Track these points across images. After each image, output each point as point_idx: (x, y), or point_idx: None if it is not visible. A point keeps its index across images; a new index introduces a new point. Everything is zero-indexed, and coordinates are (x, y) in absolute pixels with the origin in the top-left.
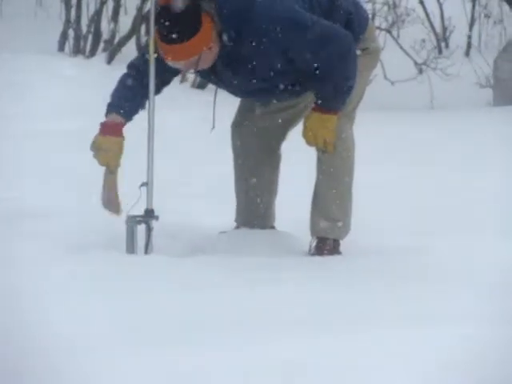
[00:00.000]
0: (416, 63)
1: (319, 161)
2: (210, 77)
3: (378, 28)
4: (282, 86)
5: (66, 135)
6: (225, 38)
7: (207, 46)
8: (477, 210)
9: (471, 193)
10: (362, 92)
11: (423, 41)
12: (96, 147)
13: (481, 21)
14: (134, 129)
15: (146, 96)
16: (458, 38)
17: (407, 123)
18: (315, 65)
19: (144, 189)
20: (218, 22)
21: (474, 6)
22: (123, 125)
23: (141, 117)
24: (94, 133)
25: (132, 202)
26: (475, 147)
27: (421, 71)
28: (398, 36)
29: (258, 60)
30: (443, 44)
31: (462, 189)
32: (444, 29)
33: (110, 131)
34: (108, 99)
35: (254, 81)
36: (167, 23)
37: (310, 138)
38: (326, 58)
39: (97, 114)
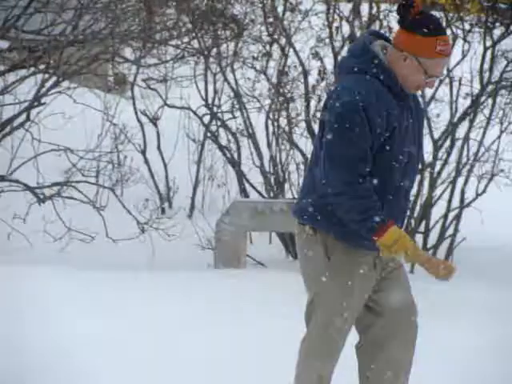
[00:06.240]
0: (138, 222)
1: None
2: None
3: (101, 186)
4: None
5: None
6: None
7: None
8: None
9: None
10: None
11: (146, 200)
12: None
13: (205, 183)
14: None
15: None
16: (181, 200)
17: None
18: None
19: None
20: None
21: (198, 169)
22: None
23: None
24: None
25: None
26: (193, 307)
27: (143, 230)
28: (122, 195)
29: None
30: (167, 204)
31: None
32: (168, 189)
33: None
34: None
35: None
36: (434, 18)
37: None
38: None
39: None
